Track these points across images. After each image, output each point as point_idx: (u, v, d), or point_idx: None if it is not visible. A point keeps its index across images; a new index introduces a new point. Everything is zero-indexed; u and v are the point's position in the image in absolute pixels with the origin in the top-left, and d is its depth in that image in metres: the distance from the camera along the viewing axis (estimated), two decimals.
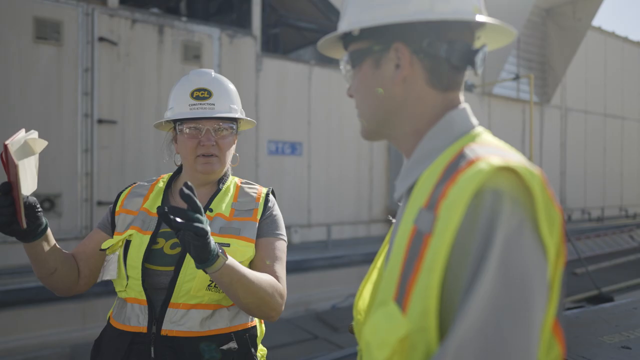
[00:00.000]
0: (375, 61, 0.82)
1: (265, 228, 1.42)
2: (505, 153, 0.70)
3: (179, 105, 1.42)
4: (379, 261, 0.99)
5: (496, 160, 0.66)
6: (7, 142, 1.10)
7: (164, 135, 1.55)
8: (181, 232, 1.07)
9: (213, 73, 1.48)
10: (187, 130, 1.40)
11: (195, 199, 1.08)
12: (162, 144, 1.56)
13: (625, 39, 11.69)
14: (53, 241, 1.30)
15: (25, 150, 1.15)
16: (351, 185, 6.96)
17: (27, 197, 1.17)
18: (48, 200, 4.65)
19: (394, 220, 1.03)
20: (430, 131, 0.80)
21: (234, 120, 1.45)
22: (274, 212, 1.46)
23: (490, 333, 0.59)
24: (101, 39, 4.87)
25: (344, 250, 6.68)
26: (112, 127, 4.98)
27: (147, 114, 5.18)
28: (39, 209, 1.21)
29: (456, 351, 0.60)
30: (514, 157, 0.68)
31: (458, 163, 0.70)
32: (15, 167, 1.09)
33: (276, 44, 7.07)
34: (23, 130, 1.17)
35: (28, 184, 1.16)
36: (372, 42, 0.82)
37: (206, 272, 1.16)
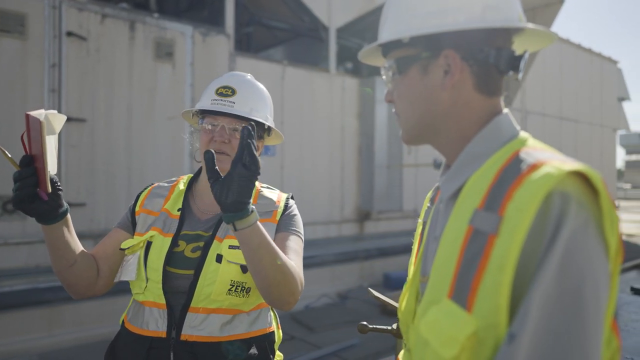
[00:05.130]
0: (423, 67, 0.84)
1: (283, 225, 1.41)
2: (561, 157, 0.73)
3: (203, 100, 1.43)
4: (413, 263, 1.01)
5: (563, 165, 0.69)
6: (29, 113, 1.08)
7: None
8: (225, 176, 1.04)
9: (248, 76, 1.48)
10: (205, 125, 1.40)
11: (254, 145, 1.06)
12: (190, 135, 1.56)
13: (579, 46, 12.30)
14: (72, 229, 1.26)
15: (47, 125, 1.12)
16: (323, 186, 6.99)
17: (49, 172, 1.13)
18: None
19: (420, 221, 1.05)
20: (478, 135, 0.83)
21: (256, 123, 1.42)
22: (292, 213, 1.45)
23: (552, 329, 0.62)
24: (69, 34, 4.68)
25: (317, 250, 6.70)
26: (81, 126, 4.79)
27: (118, 112, 5.02)
28: (60, 188, 1.17)
29: (527, 349, 0.62)
30: (574, 162, 0.71)
31: (518, 166, 0.73)
32: (40, 124, 1.05)
33: (249, 43, 7.00)
34: (43, 109, 1.13)
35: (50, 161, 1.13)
36: (420, 49, 0.83)
37: (235, 229, 1.08)
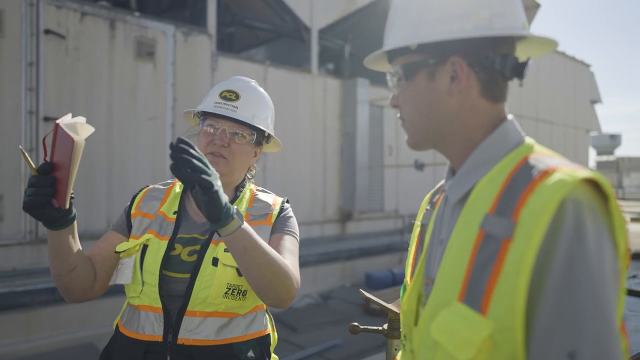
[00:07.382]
0: (430, 73, 0.85)
1: (278, 226, 1.41)
2: (569, 164, 0.75)
3: (206, 102, 1.43)
4: (411, 265, 1.03)
5: (575, 172, 0.71)
6: (58, 121, 1.07)
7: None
8: (192, 188, 1.01)
9: (252, 82, 1.48)
10: (206, 127, 1.40)
11: (194, 150, 1.01)
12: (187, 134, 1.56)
13: (553, 50, 12.60)
14: (76, 233, 1.25)
15: (74, 134, 1.11)
16: (305, 186, 7.00)
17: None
18: None
19: (418, 223, 1.06)
20: (486, 141, 0.85)
21: (257, 130, 1.43)
22: (288, 215, 1.46)
23: (591, 336, 0.65)
24: (47, 32, 4.58)
25: (299, 250, 6.69)
26: None
27: (98, 112, 4.93)
28: (72, 195, 1.16)
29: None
30: (584, 168, 0.73)
31: (529, 172, 0.75)
32: (73, 143, 1.05)
33: (231, 43, 6.96)
34: (70, 114, 1.12)
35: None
36: (427, 55, 0.85)
37: (220, 235, 1.09)
